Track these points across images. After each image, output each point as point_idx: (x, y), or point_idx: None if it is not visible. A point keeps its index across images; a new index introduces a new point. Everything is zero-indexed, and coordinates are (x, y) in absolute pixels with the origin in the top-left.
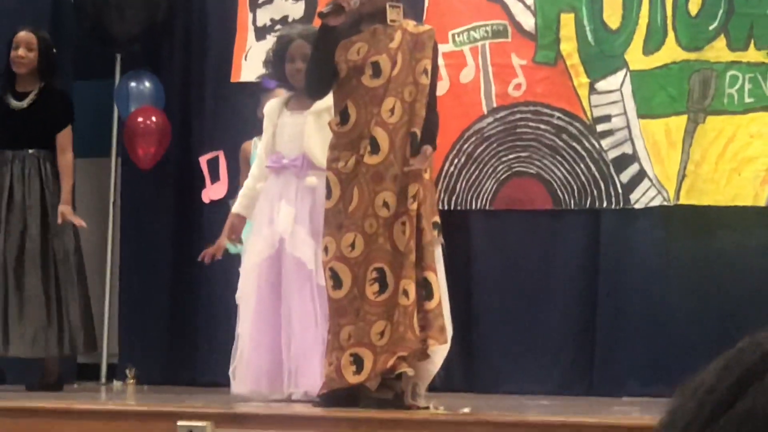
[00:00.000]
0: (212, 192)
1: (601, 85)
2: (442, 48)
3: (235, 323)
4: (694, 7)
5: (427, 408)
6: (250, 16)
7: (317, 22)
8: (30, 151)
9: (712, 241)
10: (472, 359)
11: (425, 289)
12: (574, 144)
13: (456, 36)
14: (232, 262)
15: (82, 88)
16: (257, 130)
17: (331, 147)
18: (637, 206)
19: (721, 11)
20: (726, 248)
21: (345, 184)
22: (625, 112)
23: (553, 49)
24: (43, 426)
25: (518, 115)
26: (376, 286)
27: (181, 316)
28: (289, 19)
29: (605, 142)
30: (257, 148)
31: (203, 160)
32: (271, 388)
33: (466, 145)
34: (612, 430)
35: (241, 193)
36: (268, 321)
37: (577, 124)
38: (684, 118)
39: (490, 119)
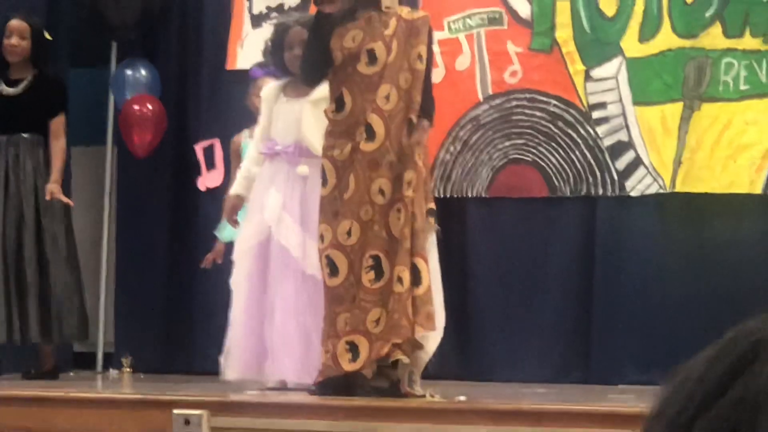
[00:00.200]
0: (208, 180)
1: (596, 73)
2: (438, 35)
3: (230, 311)
4: None
5: (423, 396)
6: (246, 3)
7: (313, 10)
8: (24, 136)
9: (708, 229)
10: (468, 347)
11: (414, 276)
12: (570, 131)
13: (451, 23)
14: (227, 250)
15: (78, 76)
16: (253, 119)
17: (326, 134)
18: (632, 194)
19: None
20: (722, 236)
21: (341, 171)
22: (620, 100)
23: (548, 37)
24: (39, 414)
25: (514, 103)
26: (372, 274)
27: (177, 304)
28: (285, 7)
29: (601, 130)
30: (250, 138)
31: (199, 148)
32: (257, 374)
33: (461, 133)
34: (608, 417)
35: (240, 174)
36: (257, 308)
37: (572, 112)
38: (679, 105)
39: (485, 106)
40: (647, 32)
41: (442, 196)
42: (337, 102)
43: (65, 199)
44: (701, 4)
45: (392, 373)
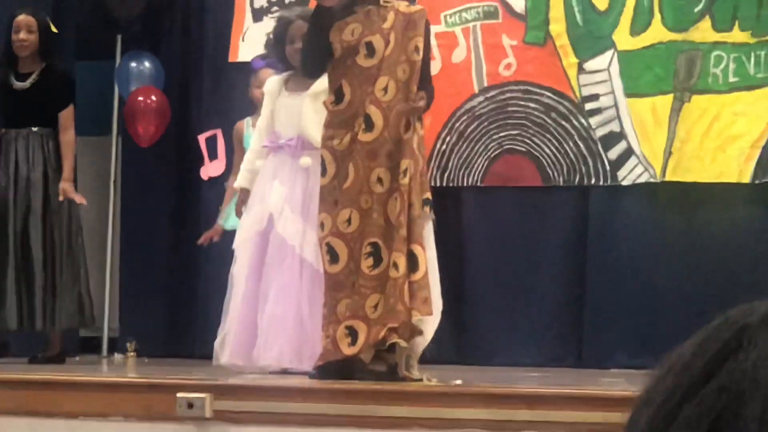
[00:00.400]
0: (210, 169)
1: (589, 65)
2: (434, 29)
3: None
4: None
5: (420, 380)
6: None
7: (313, 3)
8: (33, 129)
9: (698, 217)
10: (464, 332)
11: (411, 262)
12: (563, 122)
13: (448, 17)
14: (229, 238)
15: (83, 69)
16: (254, 109)
17: (326, 125)
18: (624, 183)
19: None
20: (711, 224)
21: (340, 161)
22: (612, 91)
23: (542, 30)
24: (45, 397)
25: (508, 94)
26: (370, 261)
27: (179, 291)
28: (286, 1)
29: (593, 121)
30: (252, 127)
31: (202, 139)
32: (249, 361)
33: (458, 124)
34: (600, 401)
35: (243, 167)
36: (253, 296)
37: (565, 103)
38: (670, 97)
39: (481, 98)
40: (639, 26)
41: (438, 185)
42: (337, 93)
43: (78, 199)
44: None
45: (389, 357)
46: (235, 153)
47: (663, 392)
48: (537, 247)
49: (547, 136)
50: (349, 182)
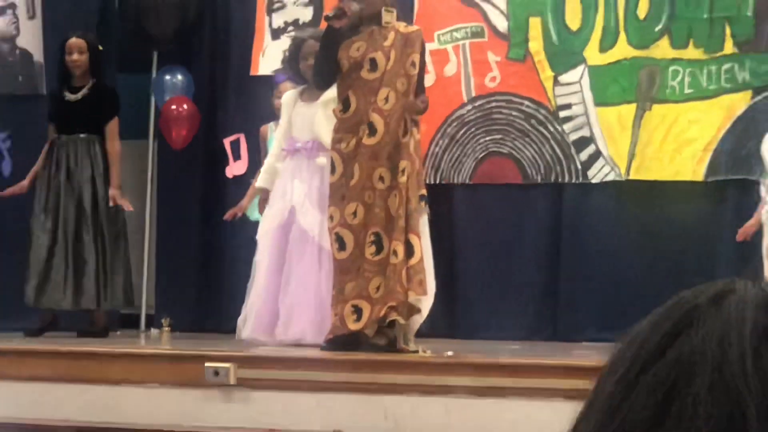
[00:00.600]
0: (234, 168)
1: (563, 78)
2: (429, 46)
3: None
4: (642, 12)
5: (416, 352)
6: (267, 19)
7: (323, 25)
8: (81, 135)
9: (657, 211)
10: (455, 310)
11: (408, 249)
12: (541, 128)
13: (440, 36)
14: (253, 227)
15: (124, 81)
16: (272, 116)
17: (334, 130)
18: (593, 181)
19: (665, 15)
20: (669, 216)
21: (347, 162)
22: (583, 101)
23: (522, 48)
24: (90, 366)
25: (493, 104)
26: (373, 248)
27: (208, 274)
28: (300, 22)
29: (567, 127)
30: (274, 132)
31: (227, 142)
32: (268, 335)
33: (449, 129)
34: (572, 370)
35: (263, 169)
36: (274, 279)
37: (543, 111)
38: (633, 106)
39: (469, 107)
40: (606, 44)
41: (432, 182)
42: (344, 103)
43: (126, 205)
44: (652, 20)
45: (389, 332)
46: (261, 151)
47: (624, 363)
48: (518, 237)
49: (527, 140)
50: (355, 180)
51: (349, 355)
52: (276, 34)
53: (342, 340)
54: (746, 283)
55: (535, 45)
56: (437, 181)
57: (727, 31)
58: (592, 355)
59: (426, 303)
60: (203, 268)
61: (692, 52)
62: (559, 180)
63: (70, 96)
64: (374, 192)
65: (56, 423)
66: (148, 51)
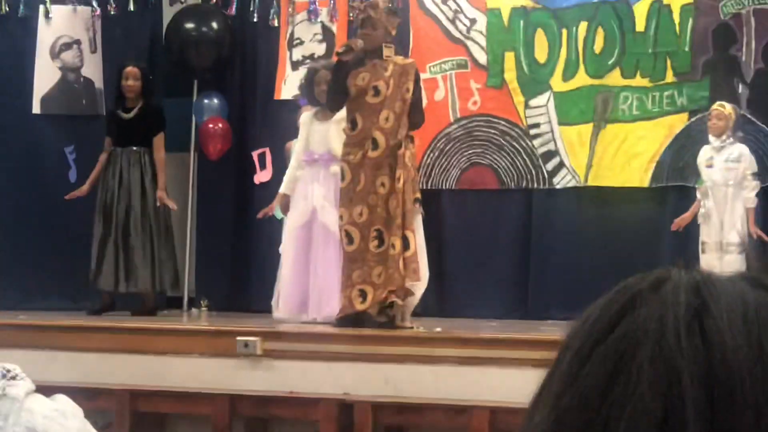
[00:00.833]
0: (261, 176)
1: (533, 102)
2: (422, 76)
3: (277, 268)
4: (597, 48)
5: (411, 328)
6: (288, 53)
7: (335, 58)
8: (134, 148)
9: (610, 211)
10: (443, 293)
11: (404, 243)
12: (514, 143)
13: (431, 67)
14: (277, 225)
15: (170, 104)
16: (293, 134)
17: (344, 145)
18: (558, 187)
19: (617, 51)
20: (620, 216)
21: (354, 171)
22: (549, 121)
23: (499, 77)
24: (142, 340)
25: (474, 123)
26: (376, 242)
27: (239, 262)
28: (315, 56)
29: (536, 142)
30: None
31: (255, 154)
32: (301, 313)
33: (439, 144)
34: (540, 343)
35: (286, 177)
36: (301, 268)
37: (516, 130)
38: (591, 125)
39: (455, 126)
40: (568, 74)
41: (425, 188)
42: (352, 122)
43: (171, 205)
44: (606, 54)
45: (389, 312)
46: (287, 163)
47: (580, 339)
48: (495, 233)
49: (503, 153)
50: (361, 186)
51: (355, 331)
52: (295, 65)
53: (350, 318)
54: (680, 271)
55: (510, 75)
56: (429, 187)
57: (668, 63)
58: (557, 331)
59: (419, 287)
60: (235, 258)
61: (639, 81)
62: (529, 186)
63: (124, 115)
64: (377, 196)
65: (113, 387)
66: (190, 79)
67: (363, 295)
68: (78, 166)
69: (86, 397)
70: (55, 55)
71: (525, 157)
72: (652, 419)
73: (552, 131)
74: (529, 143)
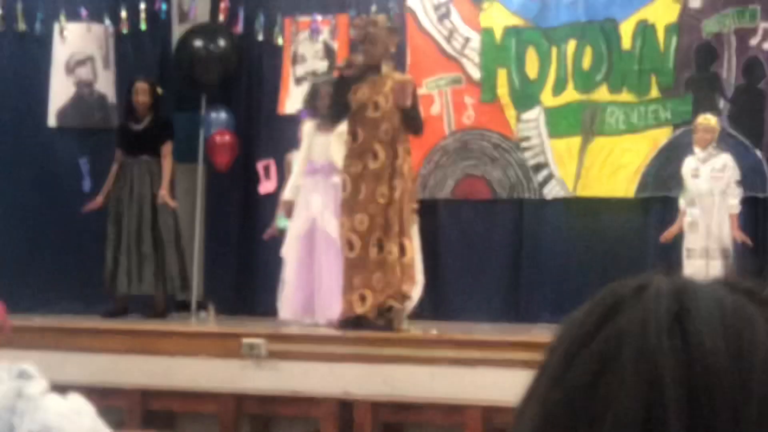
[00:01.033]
0: (265, 187)
1: (524, 116)
2: (419, 91)
3: (280, 274)
4: (586, 65)
5: (408, 330)
6: (291, 69)
7: (336, 74)
8: (144, 157)
9: (598, 219)
10: (439, 297)
11: (401, 250)
12: (507, 155)
13: (427, 83)
14: (282, 233)
15: (179, 117)
16: (296, 146)
17: (345, 157)
18: (548, 197)
19: (604, 67)
20: (607, 224)
21: (355, 182)
22: (540, 134)
23: (492, 93)
24: (151, 341)
25: (469, 136)
26: (375, 249)
27: (246, 268)
28: (317, 72)
29: (527, 154)
30: (296, 156)
31: (260, 165)
32: (306, 315)
33: (435, 156)
34: (530, 345)
35: (289, 185)
36: (305, 272)
37: (508, 142)
38: (579, 138)
39: (450, 139)
40: (558, 90)
41: (422, 197)
42: (353, 135)
43: (171, 203)
44: (593, 71)
45: (388, 315)
46: (286, 174)
47: (567, 341)
48: (488, 241)
49: (495, 164)
50: (362, 196)
51: (355, 333)
52: (298, 81)
53: (350, 321)
54: (662, 277)
55: (502, 90)
56: (426, 197)
57: (653, 80)
58: (546, 334)
59: (416, 292)
60: (241, 264)
61: (625, 96)
62: (521, 196)
63: (134, 126)
64: (377, 205)
65: (125, 386)
66: (198, 94)
67: (363, 299)
68: (91, 177)
69: (99, 396)
70: (69, 70)
71: (517, 168)
72: (635, 417)
73: (542, 144)
74: (521, 155)
